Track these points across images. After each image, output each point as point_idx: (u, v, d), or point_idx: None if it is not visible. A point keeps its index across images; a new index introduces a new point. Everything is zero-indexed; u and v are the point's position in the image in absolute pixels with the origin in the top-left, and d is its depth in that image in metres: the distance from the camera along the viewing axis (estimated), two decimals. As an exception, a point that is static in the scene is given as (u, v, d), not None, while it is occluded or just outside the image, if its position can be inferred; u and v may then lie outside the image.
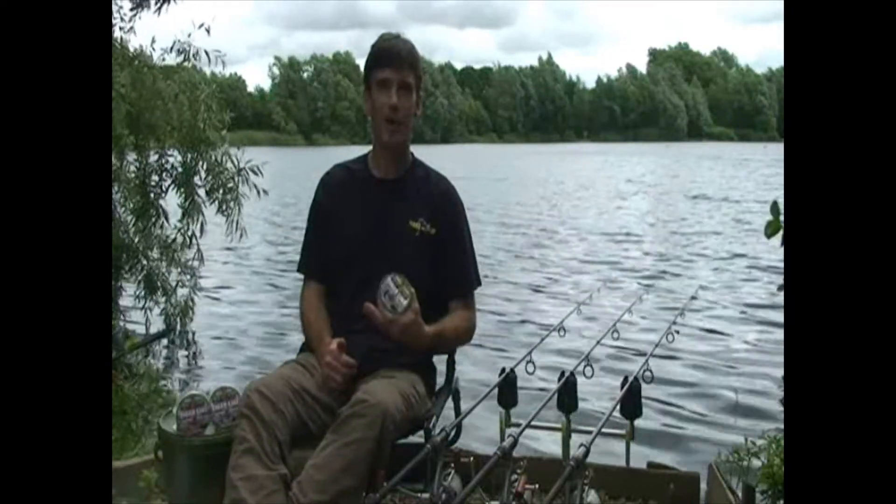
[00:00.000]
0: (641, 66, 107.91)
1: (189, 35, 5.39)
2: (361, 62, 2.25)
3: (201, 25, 5.35)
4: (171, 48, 5.41)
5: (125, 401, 3.52)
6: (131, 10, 5.18)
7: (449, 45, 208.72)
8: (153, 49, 5.46)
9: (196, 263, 5.98)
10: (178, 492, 1.90)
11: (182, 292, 6.01)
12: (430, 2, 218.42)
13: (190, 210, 5.65)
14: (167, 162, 5.66)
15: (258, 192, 5.64)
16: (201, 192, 5.62)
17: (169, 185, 5.67)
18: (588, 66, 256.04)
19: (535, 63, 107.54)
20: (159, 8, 5.14)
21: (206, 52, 5.46)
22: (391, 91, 2.01)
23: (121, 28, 5.28)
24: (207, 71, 5.86)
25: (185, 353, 6.26)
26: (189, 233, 5.73)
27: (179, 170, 5.60)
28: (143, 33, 6.15)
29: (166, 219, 5.69)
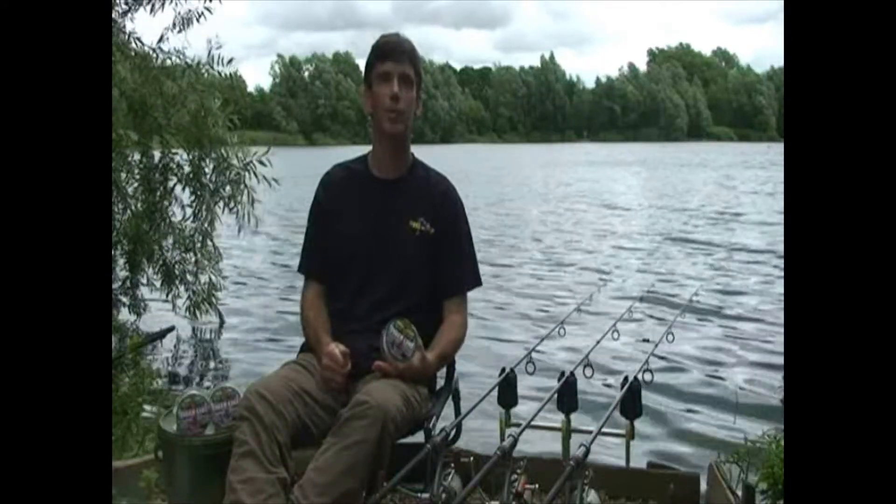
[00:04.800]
0: (640, 67, 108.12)
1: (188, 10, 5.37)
2: (360, 62, 2.26)
3: None
4: (173, 24, 5.38)
5: (125, 401, 3.51)
6: (126, 4, 5.18)
7: (445, 45, 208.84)
8: (158, 48, 5.46)
9: (213, 250, 5.96)
10: (178, 492, 1.90)
11: (203, 279, 5.99)
12: (425, 2, 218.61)
13: (200, 209, 5.65)
14: (172, 160, 5.65)
15: (269, 183, 5.62)
16: (209, 187, 5.62)
17: (174, 185, 5.67)
18: (584, 66, 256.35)
19: (531, 63, 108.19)
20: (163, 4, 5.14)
21: (207, 8, 5.40)
22: (392, 82, 2.02)
23: (124, 21, 5.29)
24: (204, 69, 5.81)
25: (198, 349, 6.26)
26: (202, 230, 5.72)
27: (186, 169, 5.60)
28: (146, 29, 6.14)
29: (170, 220, 5.69)
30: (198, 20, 5.41)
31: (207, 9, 5.40)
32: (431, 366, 2.00)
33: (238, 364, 5.87)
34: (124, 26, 5.35)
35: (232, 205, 5.57)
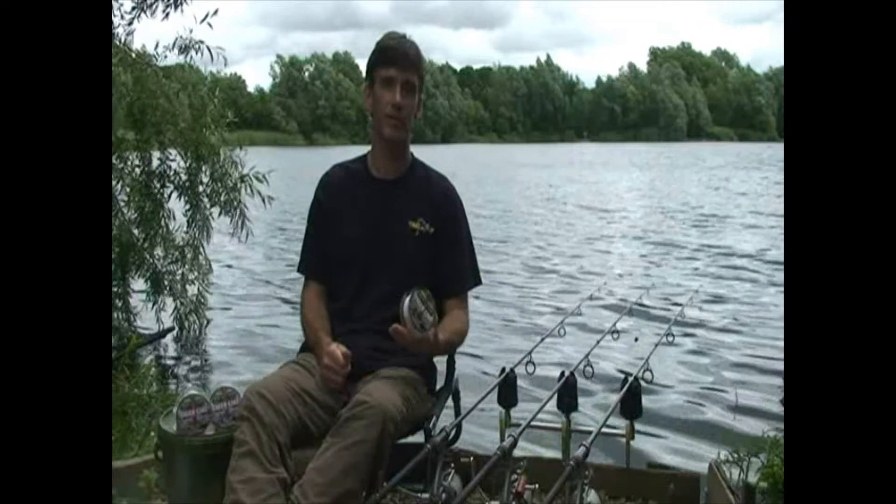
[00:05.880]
0: (640, 67, 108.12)
1: (191, 31, 5.38)
2: (360, 62, 2.27)
3: (204, 19, 5.31)
4: (174, 45, 5.39)
5: (125, 401, 3.52)
6: (132, 10, 5.19)
7: (444, 45, 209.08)
8: (156, 52, 5.46)
9: (204, 262, 5.98)
10: (178, 492, 1.90)
11: (192, 290, 6.00)
12: (424, 2, 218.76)
13: (195, 219, 5.67)
14: (169, 168, 5.66)
15: (263, 200, 5.63)
16: (205, 199, 5.64)
17: (171, 192, 5.68)
18: (583, 66, 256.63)
19: (530, 63, 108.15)
20: (167, 14, 5.16)
21: (209, 48, 5.43)
22: (395, 89, 2.01)
23: (124, 30, 5.29)
24: (205, 70, 5.85)
25: (194, 352, 6.26)
26: (194, 243, 5.75)
27: (183, 177, 5.61)
28: (145, 34, 6.17)
29: (167, 226, 5.70)
30: (197, 51, 5.43)
31: (208, 47, 5.43)
32: (440, 346, 1.95)
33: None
34: (125, 39, 5.36)
35: (228, 209, 5.59)
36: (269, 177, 5.71)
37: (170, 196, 5.71)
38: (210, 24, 5.33)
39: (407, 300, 1.81)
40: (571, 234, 13.55)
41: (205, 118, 5.42)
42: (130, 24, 5.33)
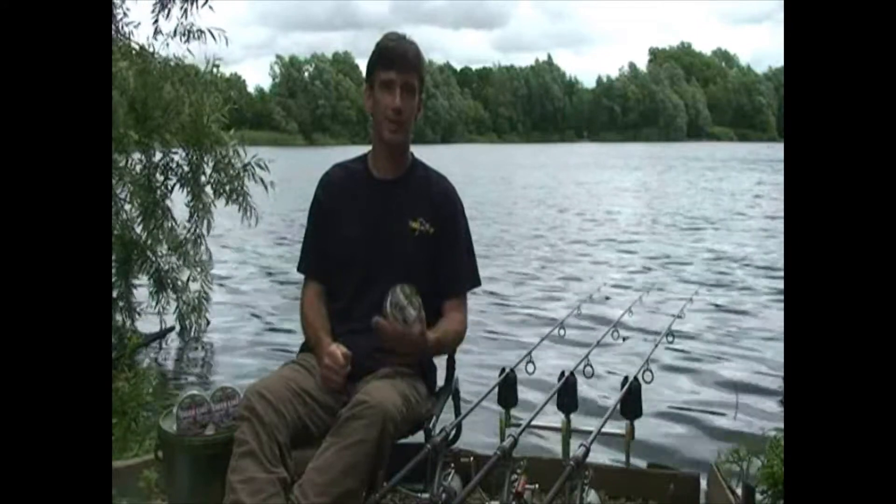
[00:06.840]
0: (640, 67, 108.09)
1: (189, 12, 5.38)
2: (360, 62, 2.27)
3: (205, 2, 5.31)
4: (175, 32, 5.40)
5: (125, 401, 3.51)
6: (152, 9, 5.20)
7: (444, 45, 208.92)
8: (156, 39, 5.47)
9: (206, 258, 5.99)
10: (178, 492, 1.90)
11: (194, 288, 6.00)
12: (423, 2, 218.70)
13: (197, 210, 5.68)
14: (172, 160, 5.67)
15: (265, 187, 5.64)
16: (207, 189, 5.65)
17: (174, 185, 5.69)
18: (583, 66, 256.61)
19: (530, 63, 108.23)
20: (184, 11, 5.16)
21: (210, 31, 5.43)
22: (395, 92, 2.01)
23: (132, 25, 5.30)
24: (205, 68, 5.81)
25: (195, 351, 6.25)
26: (196, 232, 5.76)
27: (185, 168, 5.62)
28: (149, 29, 6.18)
29: (173, 219, 5.71)
30: (198, 38, 5.43)
31: (210, 30, 5.43)
32: (429, 344, 1.94)
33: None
34: (130, 34, 5.37)
35: (234, 196, 5.60)
36: (271, 178, 5.73)
37: (172, 189, 5.72)
38: (211, 7, 5.32)
39: (389, 296, 1.85)
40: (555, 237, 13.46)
41: (206, 111, 5.42)
42: (156, 23, 5.36)
